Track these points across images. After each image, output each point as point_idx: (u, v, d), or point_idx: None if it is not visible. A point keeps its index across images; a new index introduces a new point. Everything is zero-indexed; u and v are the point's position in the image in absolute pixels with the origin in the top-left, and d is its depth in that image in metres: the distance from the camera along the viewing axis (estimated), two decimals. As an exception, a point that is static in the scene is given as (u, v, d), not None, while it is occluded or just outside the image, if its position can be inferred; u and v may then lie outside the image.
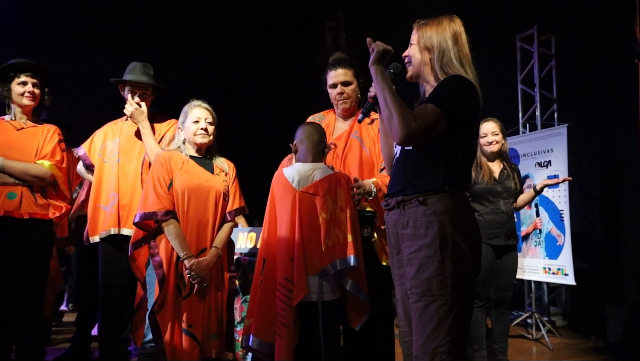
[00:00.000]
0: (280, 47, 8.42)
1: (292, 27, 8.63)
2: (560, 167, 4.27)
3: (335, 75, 2.54)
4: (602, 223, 4.71)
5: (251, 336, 2.20)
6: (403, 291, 1.69)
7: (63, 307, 5.22)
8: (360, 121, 1.94)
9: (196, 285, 2.28)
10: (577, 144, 4.62)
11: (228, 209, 2.48)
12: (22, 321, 2.53)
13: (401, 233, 1.65)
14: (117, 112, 2.92)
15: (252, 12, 8.09)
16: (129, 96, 2.77)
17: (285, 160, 3.52)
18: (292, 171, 2.30)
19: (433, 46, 1.69)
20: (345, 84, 2.53)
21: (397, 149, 1.75)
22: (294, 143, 2.39)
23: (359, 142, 2.51)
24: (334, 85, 2.55)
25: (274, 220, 2.28)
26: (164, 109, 2.99)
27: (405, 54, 1.80)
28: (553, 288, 5.07)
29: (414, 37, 1.76)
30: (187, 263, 2.25)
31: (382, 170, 2.47)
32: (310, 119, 2.72)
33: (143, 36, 6.82)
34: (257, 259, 2.31)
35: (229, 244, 2.53)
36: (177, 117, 2.93)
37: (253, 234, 3.38)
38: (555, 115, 5.04)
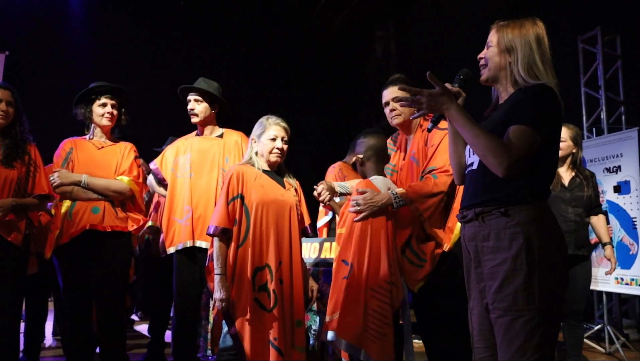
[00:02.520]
0: (332, 58, 8.50)
1: (344, 38, 8.70)
2: (631, 172, 4.08)
3: (386, 94, 2.53)
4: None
5: (340, 339, 2.26)
6: (481, 306, 1.64)
7: (133, 316, 5.45)
8: (429, 130, 1.92)
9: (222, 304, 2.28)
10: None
11: (306, 223, 2.56)
12: (106, 327, 2.69)
13: (481, 245, 1.60)
14: (172, 130, 3.08)
15: (304, 25, 8.22)
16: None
17: (331, 169, 3.60)
18: (380, 182, 2.40)
19: (515, 48, 1.62)
20: (396, 99, 2.51)
21: (472, 159, 1.71)
22: (361, 155, 2.44)
23: (415, 164, 2.48)
24: (387, 104, 2.53)
25: (366, 228, 2.33)
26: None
27: (481, 55, 1.73)
28: (625, 299, 4.83)
29: (492, 39, 1.68)
30: (217, 278, 2.28)
31: (426, 173, 2.38)
32: (389, 140, 2.72)
33: (199, 53, 7.09)
34: (338, 263, 2.38)
35: None
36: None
37: (316, 244, 3.44)
38: (623, 118, 4.83)
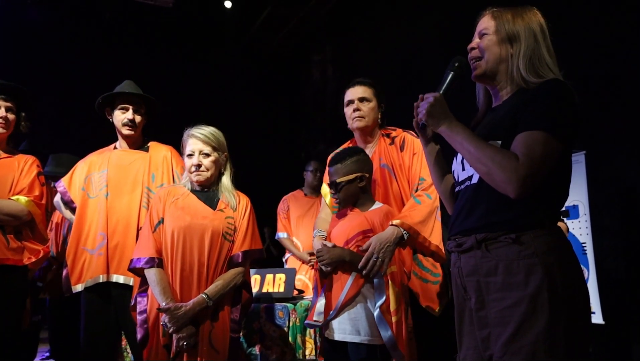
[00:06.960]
0: (269, 81, 8.29)
1: (280, 62, 8.54)
2: (579, 196, 4.04)
3: (352, 92, 2.31)
4: (620, 257, 4.46)
5: None
6: (480, 359, 1.31)
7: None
8: (421, 130, 1.53)
9: (179, 344, 1.90)
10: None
11: (234, 250, 2.07)
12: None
13: (485, 281, 1.28)
14: (100, 143, 2.59)
15: (240, 48, 7.95)
16: (120, 115, 2.42)
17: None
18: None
19: (518, 38, 1.34)
20: (362, 100, 2.28)
21: (469, 172, 1.39)
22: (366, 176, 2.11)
23: (388, 172, 2.23)
24: (350, 102, 2.29)
25: None
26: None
27: (472, 45, 1.43)
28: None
29: (487, 25, 1.40)
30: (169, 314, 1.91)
31: (418, 186, 2.18)
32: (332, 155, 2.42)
33: (127, 70, 6.50)
34: None
35: (237, 295, 2.09)
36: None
37: (257, 276, 3.00)
38: (563, 143, 4.86)
